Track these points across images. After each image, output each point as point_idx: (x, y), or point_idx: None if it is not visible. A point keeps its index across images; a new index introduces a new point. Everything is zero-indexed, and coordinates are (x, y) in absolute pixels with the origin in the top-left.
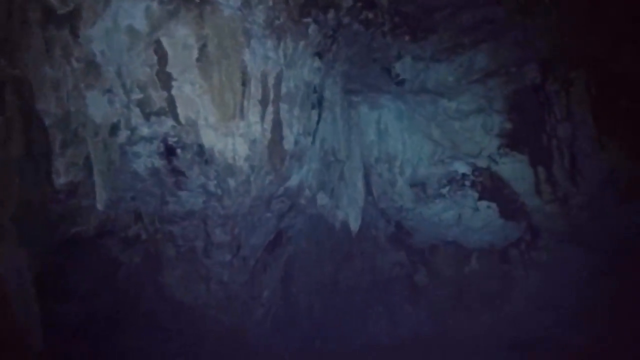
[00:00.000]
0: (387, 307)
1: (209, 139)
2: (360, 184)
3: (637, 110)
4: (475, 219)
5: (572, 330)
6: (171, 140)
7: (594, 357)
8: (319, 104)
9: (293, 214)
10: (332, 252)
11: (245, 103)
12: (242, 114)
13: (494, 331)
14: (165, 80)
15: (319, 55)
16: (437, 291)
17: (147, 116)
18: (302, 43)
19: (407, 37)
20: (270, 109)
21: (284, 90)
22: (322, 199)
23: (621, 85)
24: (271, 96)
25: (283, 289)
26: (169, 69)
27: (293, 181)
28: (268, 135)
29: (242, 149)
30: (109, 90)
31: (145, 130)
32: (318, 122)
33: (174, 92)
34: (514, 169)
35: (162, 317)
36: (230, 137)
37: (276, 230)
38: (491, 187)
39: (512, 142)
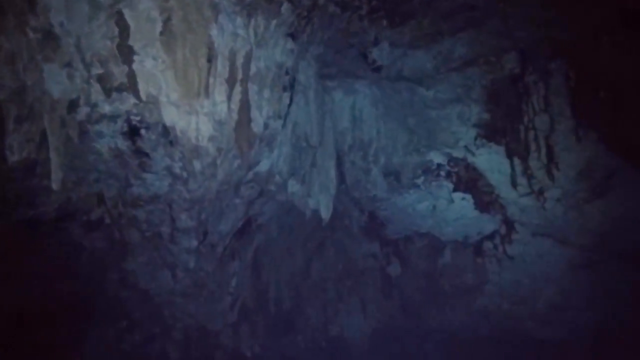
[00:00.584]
0: (360, 298)
1: (171, 116)
2: (332, 171)
3: (615, 103)
4: (449, 211)
5: (546, 324)
6: (134, 120)
7: (567, 350)
8: (291, 86)
9: (263, 201)
10: (304, 242)
11: (211, 81)
12: (207, 92)
13: (467, 324)
14: (126, 54)
15: (292, 36)
16: (411, 283)
17: (107, 92)
18: (274, 22)
19: (384, 22)
20: (238, 88)
21: (253, 70)
22: (293, 185)
23: (600, 77)
24: (239, 75)
25: (252, 278)
26: (130, 42)
27: (263, 166)
28: (235, 116)
29: (206, 128)
30: (68, 64)
31: (106, 108)
32: (290, 105)
33: (135, 66)
34: (490, 161)
35: (127, 305)
36: (194, 116)
37: (245, 217)
38: (466, 179)
39: (489, 132)
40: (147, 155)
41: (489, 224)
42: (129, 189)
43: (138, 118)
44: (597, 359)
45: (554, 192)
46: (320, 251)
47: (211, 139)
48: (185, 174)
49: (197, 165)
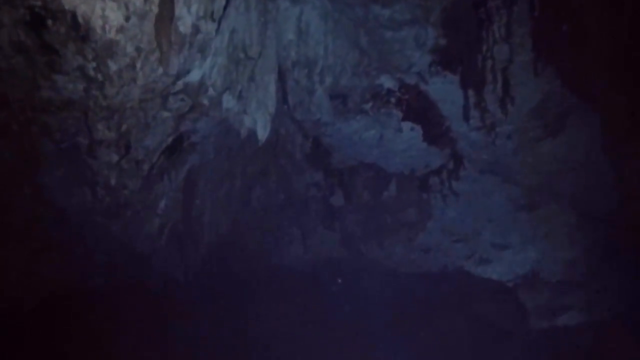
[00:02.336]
0: (300, 229)
1: None
2: (272, 88)
3: (578, 37)
4: (397, 141)
5: (484, 262)
6: (37, 6)
7: (503, 289)
8: None
9: (195, 116)
10: (244, 166)
11: None
12: None
13: (407, 260)
14: None
15: None
16: (353, 216)
17: None
18: None
19: None
20: None
21: None
22: (228, 101)
23: (565, 9)
24: None
25: (185, 201)
26: None
27: (193, 76)
28: (155, 8)
29: (115, 17)
30: None
31: None
32: (226, 8)
33: None
34: (444, 90)
35: (42, 224)
36: (100, 1)
37: (176, 133)
38: (417, 108)
39: (444, 60)
40: (56, 52)
41: (437, 157)
42: (38, 91)
43: (39, 3)
44: (532, 299)
45: (505, 128)
46: (261, 178)
47: (121, 30)
48: (100, 77)
49: (112, 66)
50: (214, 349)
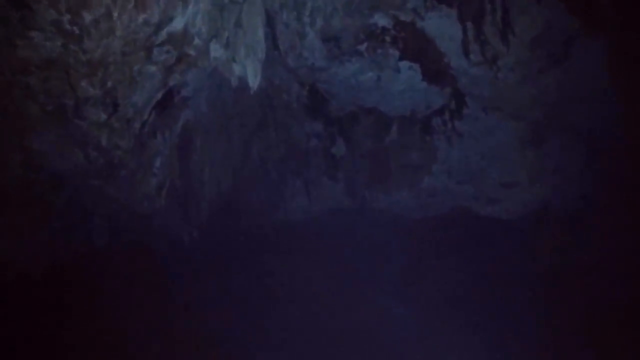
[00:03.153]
0: (303, 181)
1: None
2: (260, 32)
3: None
4: (395, 82)
5: (492, 202)
6: None
7: (512, 229)
8: None
9: (182, 68)
10: (241, 120)
11: None
12: None
13: (414, 205)
14: None
15: None
16: (356, 164)
17: None
18: None
19: None
20: None
21: None
22: (216, 50)
23: None
24: None
25: (181, 159)
26: None
27: (177, 24)
28: None
29: None
30: None
31: None
32: None
33: None
34: (441, 25)
35: (36, 190)
36: None
37: (165, 88)
38: (414, 45)
39: None
40: (28, 6)
41: (438, 97)
42: (14, 51)
43: None
44: (543, 236)
45: (508, 60)
46: (260, 131)
47: None
48: (77, 30)
49: (87, 16)
50: (223, 307)
